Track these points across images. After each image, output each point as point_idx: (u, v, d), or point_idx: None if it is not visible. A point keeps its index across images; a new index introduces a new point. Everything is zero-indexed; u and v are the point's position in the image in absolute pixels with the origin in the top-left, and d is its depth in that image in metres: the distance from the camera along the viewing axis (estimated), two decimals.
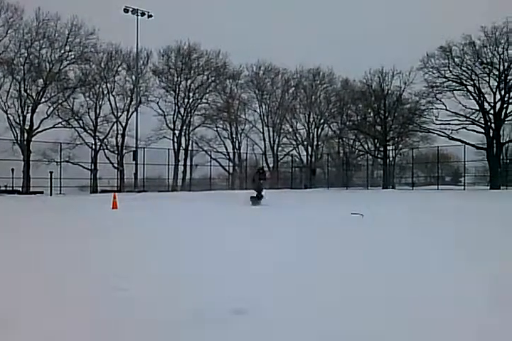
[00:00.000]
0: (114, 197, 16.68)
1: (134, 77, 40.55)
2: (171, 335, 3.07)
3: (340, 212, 13.40)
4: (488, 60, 39.93)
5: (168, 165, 40.50)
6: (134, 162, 36.74)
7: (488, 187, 37.58)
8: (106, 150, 40.26)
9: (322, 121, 50.47)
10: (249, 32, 78.93)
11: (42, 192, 31.97)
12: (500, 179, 38.24)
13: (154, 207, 18.29)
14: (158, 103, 43.39)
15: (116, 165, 39.88)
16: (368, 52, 65.32)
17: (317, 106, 50.28)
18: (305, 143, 50.76)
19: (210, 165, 43.37)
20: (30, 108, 35.96)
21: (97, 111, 40.05)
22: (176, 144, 43.79)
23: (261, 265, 5.48)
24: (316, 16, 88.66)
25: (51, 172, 32.68)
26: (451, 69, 40.93)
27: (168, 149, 41.32)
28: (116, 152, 40.56)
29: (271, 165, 49.54)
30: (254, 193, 17.90)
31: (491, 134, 39.55)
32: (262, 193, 17.69)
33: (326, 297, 3.99)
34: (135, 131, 37.96)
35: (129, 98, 41.08)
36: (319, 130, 50.95)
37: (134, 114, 38.98)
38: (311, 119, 50.56)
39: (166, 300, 3.91)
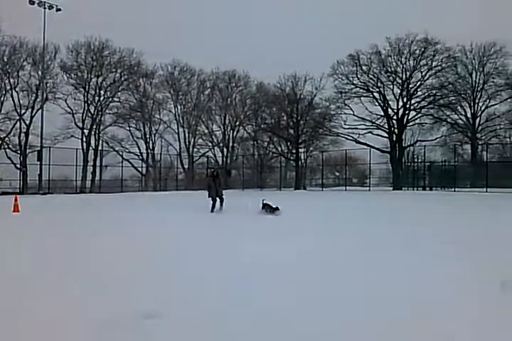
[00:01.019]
0: (16, 200, 15.72)
1: (39, 73, 38.31)
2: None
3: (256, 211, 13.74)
4: (393, 69, 42.66)
5: (76, 165, 38.59)
6: (38, 162, 34.64)
7: (391, 188, 40.07)
8: (7, 150, 37.66)
9: (237, 123, 50.89)
10: (163, 31, 77.91)
11: None
12: (401, 180, 40.93)
13: (59, 210, 17.42)
14: (66, 100, 41.46)
15: (18, 166, 37.39)
16: (282, 56, 67.07)
17: (233, 109, 50.62)
18: (221, 144, 50.90)
19: (122, 166, 41.95)
20: None
21: None
22: (84, 144, 42.01)
23: (179, 264, 5.43)
24: (231, 19, 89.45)
25: None
26: (359, 76, 43.18)
27: (77, 149, 39.33)
28: (19, 151, 38.09)
29: (186, 166, 49.10)
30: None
31: (394, 138, 42.26)
32: (223, 197, 15.30)
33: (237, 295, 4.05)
34: (40, 130, 35.91)
35: (34, 94, 38.75)
36: (235, 132, 51.33)
37: (40, 111, 36.82)
38: (227, 121, 50.80)
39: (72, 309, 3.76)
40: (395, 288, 4.36)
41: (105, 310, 3.62)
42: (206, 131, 50.76)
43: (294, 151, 47.26)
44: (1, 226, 10.84)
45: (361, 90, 43.48)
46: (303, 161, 49.64)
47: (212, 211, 14.91)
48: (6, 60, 37.13)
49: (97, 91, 42.58)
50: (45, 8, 35.22)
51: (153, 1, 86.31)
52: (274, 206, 14.07)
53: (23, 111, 38.46)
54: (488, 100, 43.95)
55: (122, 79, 43.67)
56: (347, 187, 41.27)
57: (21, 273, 5.15)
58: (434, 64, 41.79)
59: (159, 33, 71.96)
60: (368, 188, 41.11)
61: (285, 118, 48.37)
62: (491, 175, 34.49)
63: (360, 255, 6.23)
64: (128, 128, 45.73)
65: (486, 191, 31.05)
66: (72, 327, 3.27)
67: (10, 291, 4.28)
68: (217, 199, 15.09)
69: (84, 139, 42.06)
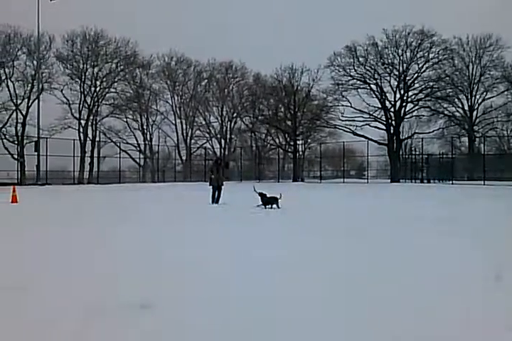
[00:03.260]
0: (14, 191, 15.63)
1: (35, 63, 37.98)
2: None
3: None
4: (390, 61, 42.55)
5: (74, 156, 38.47)
6: (35, 153, 34.46)
7: (389, 181, 40.14)
8: (4, 140, 37.44)
9: (235, 114, 50.80)
10: (159, 21, 77.25)
11: None
12: (399, 173, 40.99)
13: (58, 201, 17.39)
14: (62, 91, 41.19)
15: (16, 157, 37.24)
16: (279, 48, 66.80)
17: (230, 100, 50.51)
18: (218, 136, 50.84)
19: (120, 157, 41.84)
20: None
21: None
22: (82, 135, 41.83)
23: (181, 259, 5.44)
24: (227, 9, 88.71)
25: None
26: (356, 68, 43.01)
27: (74, 140, 39.23)
28: (16, 142, 37.90)
29: (184, 158, 49.02)
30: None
31: (392, 131, 42.24)
32: (222, 187, 14.50)
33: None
34: (37, 120, 35.58)
35: (29, 84, 38.47)
36: (232, 123, 51.27)
37: (36, 101, 36.53)
38: (224, 112, 50.75)
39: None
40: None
41: (110, 300, 3.64)
42: (204, 122, 50.73)
43: (291, 143, 47.24)
44: None
45: (358, 82, 43.36)
46: (301, 153, 49.65)
47: (212, 202, 14.13)
48: (0, 49, 36.76)
49: (93, 81, 42.34)
50: None
51: None
52: (270, 195, 12.61)
53: (19, 102, 38.21)
54: (485, 93, 44.10)
55: (118, 69, 43.41)
56: (345, 179, 41.31)
57: (20, 264, 5.16)
58: (430, 56, 41.74)
59: (155, 23, 71.31)
60: (365, 180, 41.16)
61: (282, 109, 48.30)
62: (488, 167, 34.59)
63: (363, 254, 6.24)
64: (125, 119, 45.61)
65: (484, 183, 31.15)
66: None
67: (12, 281, 4.29)
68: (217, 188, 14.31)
69: (81, 130, 41.90)
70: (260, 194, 12.63)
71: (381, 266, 4.97)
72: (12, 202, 14.92)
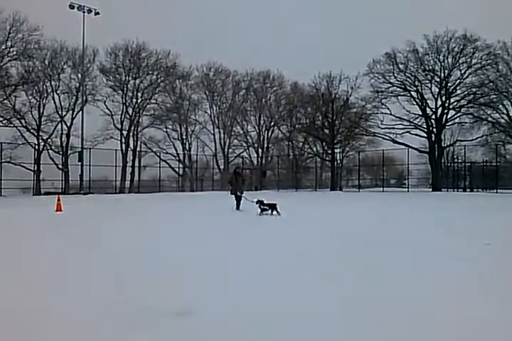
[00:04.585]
0: (59, 199, 16.11)
1: (79, 75, 39.25)
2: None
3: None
4: (430, 67, 41.67)
5: (116, 166, 39.45)
6: (79, 163, 35.54)
7: (431, 189, 39.10)
8: (50, 151, 38.69)
9: (272, 123, 50.90)
10: (198, 32, 78.67)
11: None
12: (441, 181, 39.88)
13: (101, 210, 17.81)
14: (105, 102, 42.29)
15: (60, 166, 38.46)
16: (317, 56, 66.66)
17: (267, 109, 50.67)
18: (255, 145, 51.02)
19: (160, 167, 42.64)
20: None
21: (41, 109, 38.39)
22: (123, 145, 42.78)
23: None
24: (264, 19, 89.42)
25: None
26: (395, 75, 42.36)
27: (116, 150, 40.24)
28: (61, 152, 39.10)
29: (221, 167, 49.42)
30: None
31: (433, 138, 41.23)
32: (243, 195, 15.57)
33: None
34: (81, 131, 36.75)
35: (74, 97, 39.67)
36: (269, 132, 51.37)
37: (80, 113, 37.77)
38: (262, 122, 50.92)
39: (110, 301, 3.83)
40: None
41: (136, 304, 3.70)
42: (241, 131, 51.07)
43: (329, 152, 46.80)
44: (45, 226, 11.13)
45: (398, 89, 42.67)
46: (339, 162, 49.13)
47: (238, 208, 15.26)
48: (47, 63, 38.10)
49: (135, 93, 43.32)
50: (84, 12, 36.10)
51: (186, 4, 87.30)
52: (268, 202, 13.08)
53: (64, 113, 39.42)
54: None
55: (159, 81, 44.29)
56: (384, 188, 40.53)
57: (63, 270, 5.29)
58: (473, 61, 40.63)
59: (194, 35, 72.76)
60: (406, 189, 40.27)
61: (320, 118, 47.99)
62: None
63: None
64: (165, 130, 46.33)
65: None
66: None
67: (61, 286, 4.39)
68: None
69: (122, 140, 42.85)
70: (258, 201, 13.26)
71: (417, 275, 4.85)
72: (57, 210, 15.39)
